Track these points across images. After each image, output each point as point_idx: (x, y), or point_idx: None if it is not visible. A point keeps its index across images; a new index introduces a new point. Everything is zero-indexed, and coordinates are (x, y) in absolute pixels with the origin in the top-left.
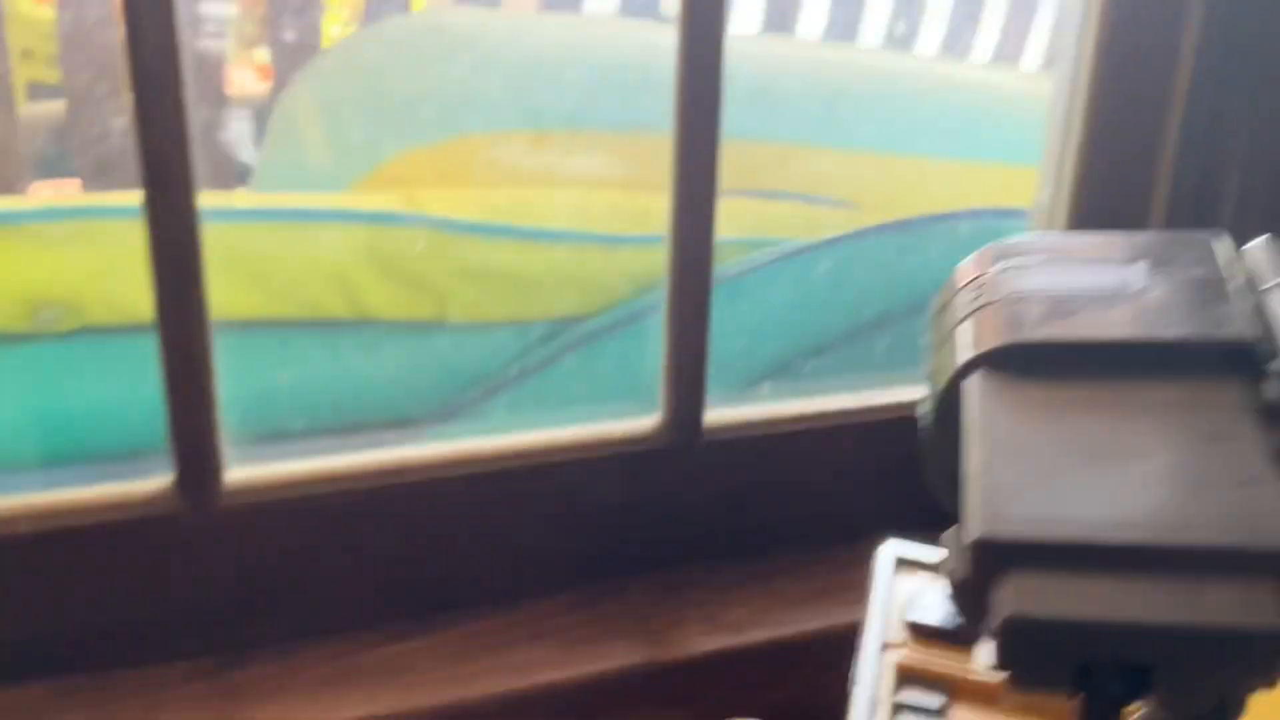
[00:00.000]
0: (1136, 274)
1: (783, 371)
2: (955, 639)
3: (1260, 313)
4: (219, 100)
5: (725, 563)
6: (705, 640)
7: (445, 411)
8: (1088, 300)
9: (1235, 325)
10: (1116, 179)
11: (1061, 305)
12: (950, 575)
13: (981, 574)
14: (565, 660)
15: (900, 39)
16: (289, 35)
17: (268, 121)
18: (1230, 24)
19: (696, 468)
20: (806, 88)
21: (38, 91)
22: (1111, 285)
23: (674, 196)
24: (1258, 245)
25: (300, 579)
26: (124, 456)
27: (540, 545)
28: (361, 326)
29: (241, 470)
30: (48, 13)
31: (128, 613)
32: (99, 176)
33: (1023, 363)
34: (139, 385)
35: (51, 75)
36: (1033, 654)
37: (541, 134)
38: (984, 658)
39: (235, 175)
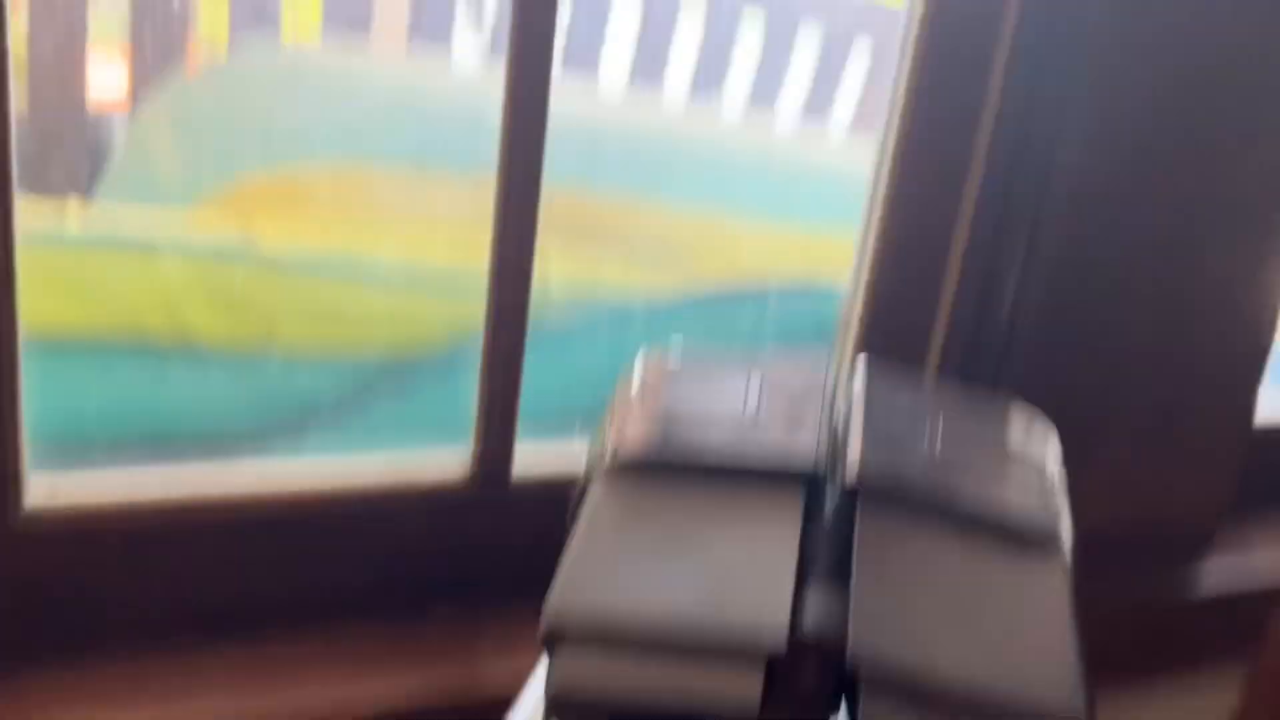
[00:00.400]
0: (751, 397)
1: (595, 421)
2: None
3: (833, 440)
4: (79, 105)
5: (525, 600)
6: (496, 670)
7: (259, 442)
8: (707, 419)
9: (807, 452)
10: (912, 265)
11: (686, 422)
12: None
13: (547, 647)
14: (355, 681)
15: (709, 93)
16: (152, 40)
17: (125, 134)
18: (1024, 115)
19: (501, 510)
20: (638, 144)
21: None
22: (730, 405)
23: (494, 240)
24: (859, 371)
25: (98, 593)
26: None
27: (341, 575)
28: (184, 351)
29: (45, 485)
30: None
31: None
32: None
33: (641, 471)
34: None
35: None
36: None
37: (383, 169)
38: None
39: (81, 181)
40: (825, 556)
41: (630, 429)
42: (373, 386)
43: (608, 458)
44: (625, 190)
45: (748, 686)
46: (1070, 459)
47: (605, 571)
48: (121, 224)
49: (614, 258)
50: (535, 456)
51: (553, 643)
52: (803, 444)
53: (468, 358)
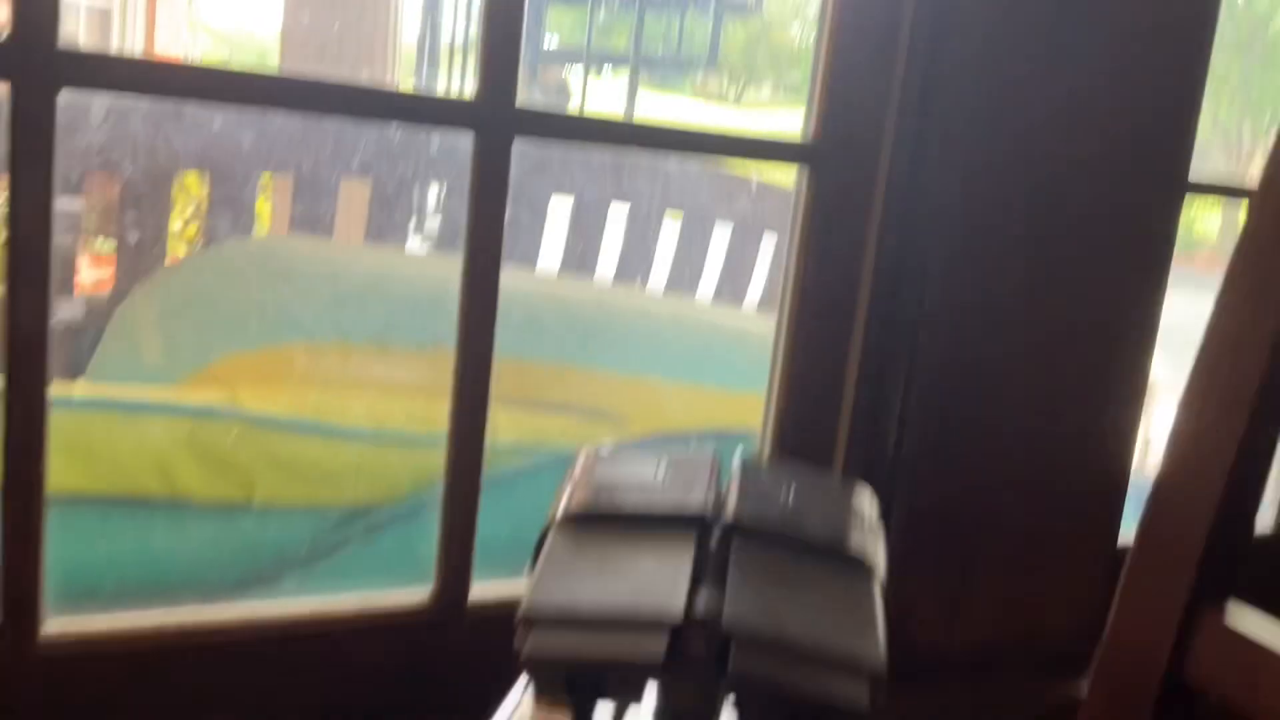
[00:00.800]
0: (660, 471)
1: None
2: None
3: (718, 497)
4: (67, 292)
5: None
6: None
7: (243, 586)
8: (627, 486)
9: (697, 501)
10: (807, 411)
11: (612, 489)
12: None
13: (521, 634)
14: None
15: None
16: (134, 234)
17: (109, 321)
18: (893, 289)
19: (462, 636)
20: (573, 318)
21: None
22: (643, 478)
23: (452, 403)
24: (737, 456)
25: (104, 708)
26: None
27: (318, 702)
28: (176, 506)
29: (58, 622)
30: None
31: None
32: None
33: (581, 521)
34: None
35: None
36: (542, 675)
37: (351, 346)
38: None
39: (70, 364)
40: (711, 571)
41: (574, 495)
42: (343, 534)
43: (558, 515)
44: (563, 359)
45: (655, 645)
46: (954, 577)
47: (561, 582)
48: (117, 393)
49: (563, 416)
50: (489, 591)
51: (527, 625)
52: (695, 499)
53: (428, 507)
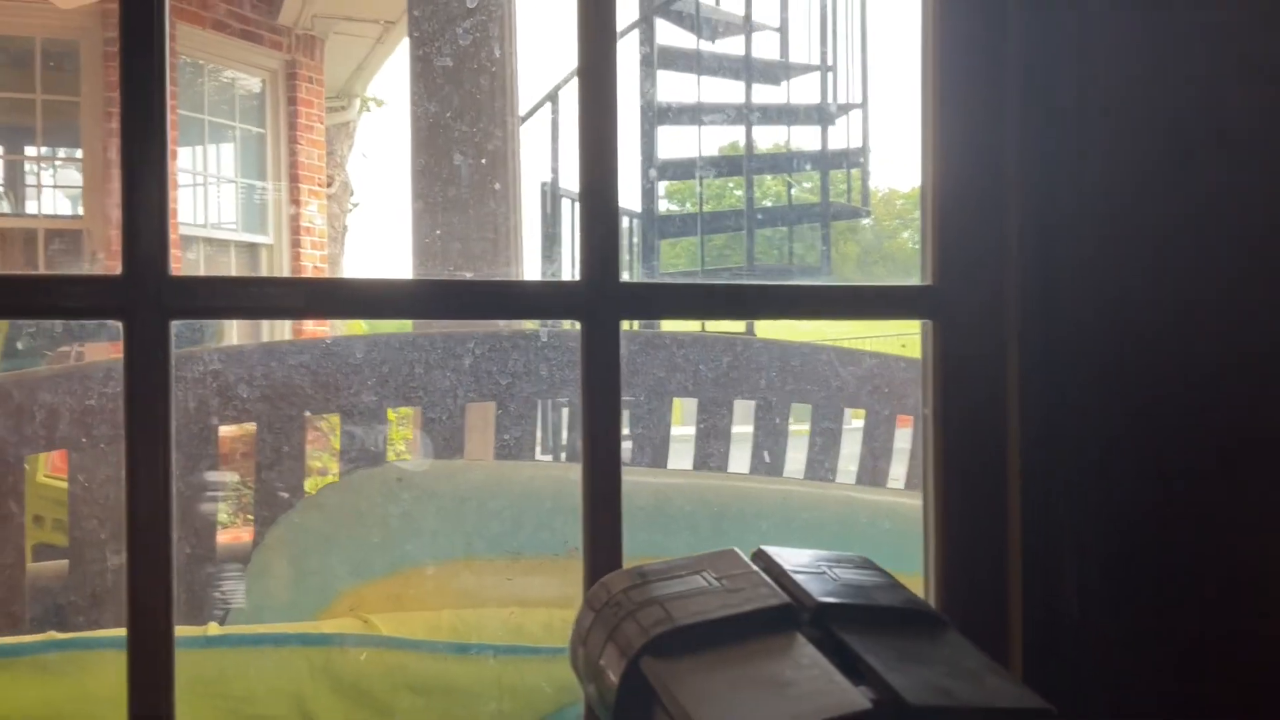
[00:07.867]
0: (705, 580)
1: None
2: None
3: (785, 587)
4: (212, 553)
5: None
6: None
7: None
8: (689, 597)
9: (775, 593)
10: (971, 592)
11: (675, 604)
12: None
13: None
14: None
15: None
16: (275, 490)
17: (248, 566)
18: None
19: None
20: (709, 508)
21: (41, 553)
22: (696, 588)
23: None
24: (764, 553)
25: None
26: None
27: None
28: None
29: None
30: (59, 483)
31: None
32: (90, 613)
33: (675, 643)
34: None
35: (55, 538)
36: None
37: (481, 562)
38: None
39: (219, 616)
40: (835, 656)
41: (640, 620)
42: None
43: (639, 644)
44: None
45: None
46: None
47: (735, 714)
48: (248, 629)
49: None
50: None
51: None
52: (770, 592)
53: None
